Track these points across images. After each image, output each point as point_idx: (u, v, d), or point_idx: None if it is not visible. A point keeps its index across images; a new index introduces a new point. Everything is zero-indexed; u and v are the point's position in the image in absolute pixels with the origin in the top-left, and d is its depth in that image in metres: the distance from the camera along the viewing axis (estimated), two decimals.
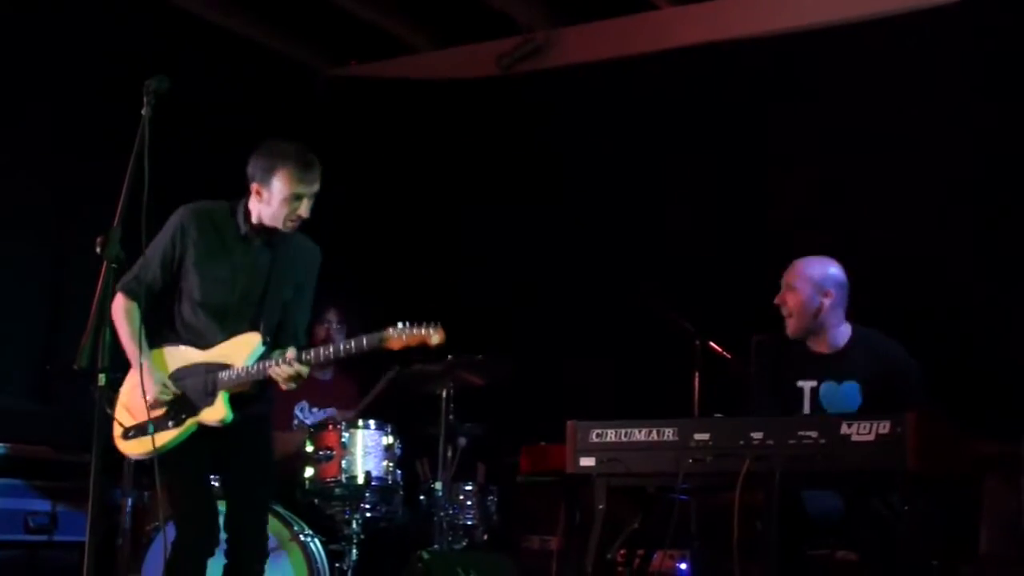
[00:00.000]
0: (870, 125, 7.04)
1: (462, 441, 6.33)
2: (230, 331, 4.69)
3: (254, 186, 4.70)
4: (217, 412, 4.63)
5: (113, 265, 4.04)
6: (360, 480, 5.70)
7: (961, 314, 6.53)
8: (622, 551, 4.90)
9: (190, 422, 4.62)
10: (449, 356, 5.95)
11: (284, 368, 4.59)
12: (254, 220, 4.72)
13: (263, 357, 4.66)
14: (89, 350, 4.45)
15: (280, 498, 5.73)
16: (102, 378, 3.96)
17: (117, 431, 4.64)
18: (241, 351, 4.66)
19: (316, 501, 5.83)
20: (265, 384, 4.73)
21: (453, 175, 8.37)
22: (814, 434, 4.29)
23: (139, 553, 5.48)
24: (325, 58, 8.85)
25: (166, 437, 4.59)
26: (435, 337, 4.67)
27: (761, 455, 4.33)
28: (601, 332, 7.58)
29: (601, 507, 4.65)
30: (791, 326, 5.11)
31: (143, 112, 4.17)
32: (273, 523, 5.51)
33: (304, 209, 4.71)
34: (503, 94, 8.32)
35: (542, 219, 8.00)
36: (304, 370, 4.64)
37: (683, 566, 6.07)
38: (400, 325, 4.62)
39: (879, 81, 7.05)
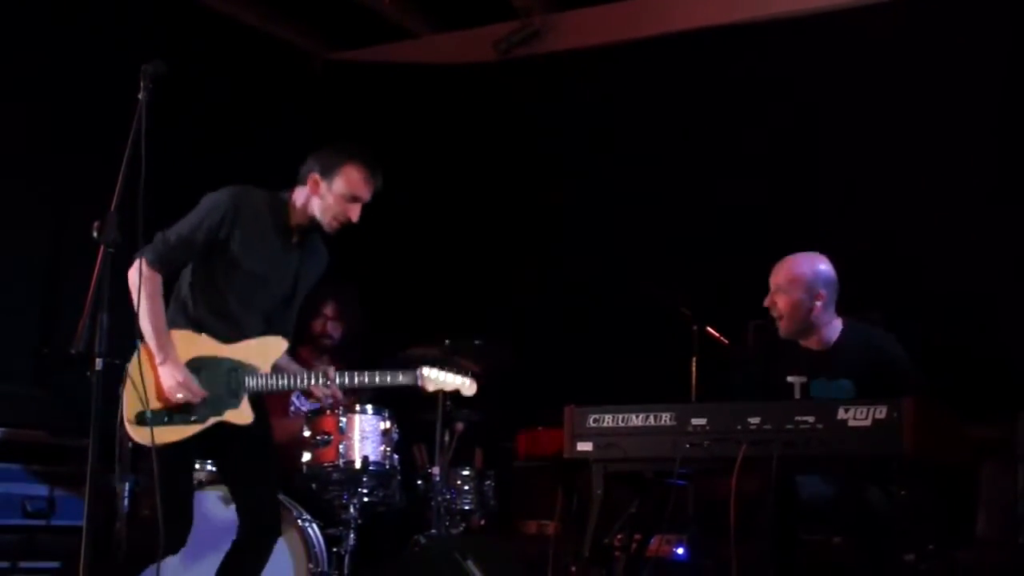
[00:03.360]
0: (874, 110, 7.03)
1: (459, 426, 6.33)
2: (250, 326, 4.66)
3: (313, 176, 4.68)
4: (243, 416, 4.63)
5: (110, 250, 4.03)
6: (357, 465, 5.70)
7: (958, 300, 6.52)
8: (619, 536, 4.91)
9: (213, 421, 4.59)
10: (447, 341, 5.96)
11: (324, 390, 4.71)
12: (298, 209, 4.70)
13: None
14: (86, 335, 4.46)
15: (278, 483, 5.73)
16: (99, 363, 3.96)
17: (130, 412, 4.52)
18: (267, 354, 4.66)
19: (313, 486, 5.82)
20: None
21: (450, 160, 8.36)
22: (811, 419, 4.30)
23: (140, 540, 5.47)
24: (322, 42, 8.83)
25: (186, 432, 4.55)
26: (468, 390, 4.74)
27: (758, 440, 4.33)
28: (599, 317, 7.58)
29: (599, 492, 4.66)
30: (783, 328, 5.06)
31: (140, 97, 4.16)
32: None
33: (355, 214, 4.71)
34: (501, 79, 8.30)
35: (540, 205, 7.99)
36: (340, 394, 4.76)
37: (680, 551, 6.08)
38: (437, 369, 4.75)
39: (884, 66, 7.04)
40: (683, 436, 4.48)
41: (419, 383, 4.71)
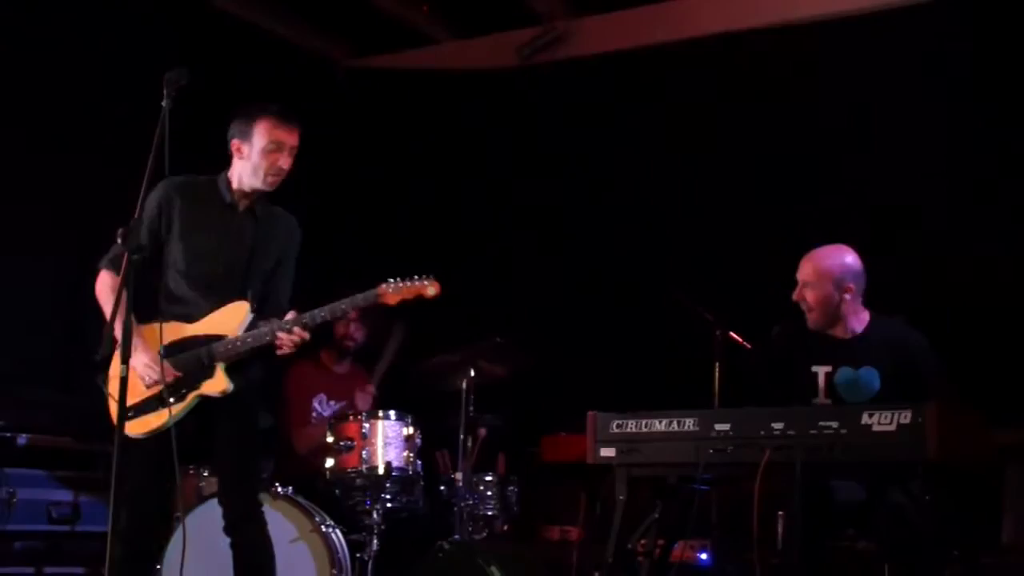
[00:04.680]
0: (895, 113, 7.01)
1: (482, 432, 6.34)
2: (216, 302, 4.70)
3: (235, 143, 4.76)
4: (218, 384, 4.65)
5: (134, 256, 4.06)
6: (381, 470, 5.71)
7: (982, 302, 6.49)
8: (643, 541, 4.90)
9: (192, 396, 4.64)
10: (469, 345, 5.97)
11: (288, 336, 4.61)
12: (235, 185, 4.76)
13: (252, 326, 4.68)
14: (110, 340, 4.50)
15: (301, 489, 5.75)
16: (123, 369, 3.98)
17: (114, 410, 4.51)
18: (231, 320, 4.67)
19: (337, 491, 5.84)
20: (258, 351, 4.73)
21: (472, 166, 8.37)
22: (835, 424, 4.28)
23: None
24: (345, 49, 8.86)
25: (168, 413, 4.58)
26: (430, 288, 4.75)
27: (782, 445, 4.32)
28: (622, 323, 7.57)
29: (622, 498, 4.66)
30: (812, 320, 5.08)
31: (163, 105, 4.18)
32: (294, 513, 5.54)
33: (284, 160, 4.75)
34: (523, 85, 8.31)
35: (562, 210, 7.99)
36: (307, 336, 4.65)
37: (704, 556, 6.07)
38: (393, 280, 4.70)
39: (905, 70, 7.01)
40: (706, 441, 4.47)
41: (380, 301, 4.70)
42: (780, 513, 5.16)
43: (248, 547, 4.74)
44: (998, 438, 4.84)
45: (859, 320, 5.09)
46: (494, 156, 8.32)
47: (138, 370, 4.59)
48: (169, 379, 4.58)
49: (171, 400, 4.58)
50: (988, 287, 6.53)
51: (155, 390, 4.61)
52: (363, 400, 6.61)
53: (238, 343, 4.65)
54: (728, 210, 7.43)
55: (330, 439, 5.82)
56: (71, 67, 6.90)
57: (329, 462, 5.80)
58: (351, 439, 5.77)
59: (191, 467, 5.80)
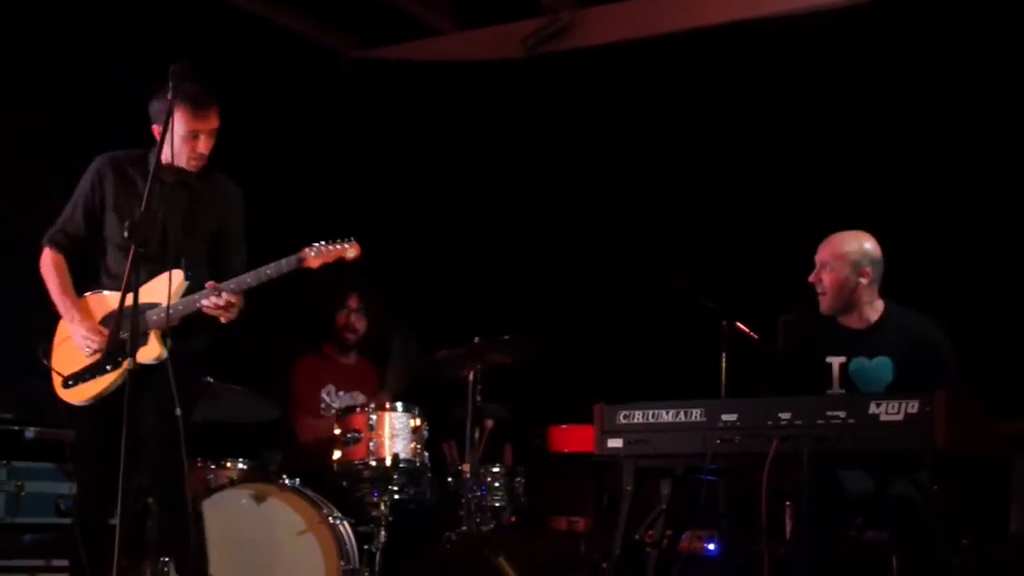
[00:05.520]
0: (903, 102, 6.99)
1: (489, 423, 6.34)
2: (153, 272, 4.68)
3: (154, 128, 4.75)
4: (152, 351, 4.65)
5: (141, 249, 4.07)
6: (388, 462, 5.72)
7: (991, 294, 6.49)
8: (650, 531, 4.90)
9: (127, 363, 4.59)
10: (476, 338, 5.96)
11: (213, 299, 4.64)
12: (163, 159, 4.71)
13: (188, 292, 4.70)
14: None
15: (309, 481, 5.75)
16: (129, 362, 3.98)
17: (57, 381, 4.74)
18: (164, 288, 4.65)
19: (344, 483, 5.85)
20: (198, 321, 4.74)
21: (478, 157, 8.36)
22: (842, 414, 4.28)
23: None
24: (350, 40, 8.85)
25: (107, 380, 4.64)
26: (350, 251, 4.79)
27: (789, 435, 4.32)
28: (628, 313, 7.57)
29: (629, 488, 4.66)
30: (825, 304, 5.07)
31: (168, 96, 4.19)
32: (301, 505, 5.54)
33: (203, 145, 4.75)
34: (528, 76, 8.29)
35: (568, 201, 7.99)
36: (234, 298, 4.66)
37: (711, 546, 6.06)
38: (316, 244, 4.72)
39: (912, 58, 7.00)
40: (714, 432, 4.48)
41: (303, 265, 4.71)
42: (788, 503, 5.16)
43: (169, 507, 4.72)
44: (1005, 428, 4.84)
45: (874, 309, 5.07)
46: (499, 147, 8.30)
47: (77, 340, 4.70)
48: (106, 344, 4.60)
49: (107, 368, 4.62)
50: (993, 277, 6.52)
51: (94, 359, 4.66)
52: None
53: (170, 310, 4.63)
54: (734, 200, 7.42)
55: (337, 431, 5.83)
56: (76, 54, 6.90)
57: (336, 454, 5.81)
58: (358, 431, 5.78)
59: (199, 459, 5.81)
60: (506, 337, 6.02)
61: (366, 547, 5.68)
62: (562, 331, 7.44)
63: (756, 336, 6.11)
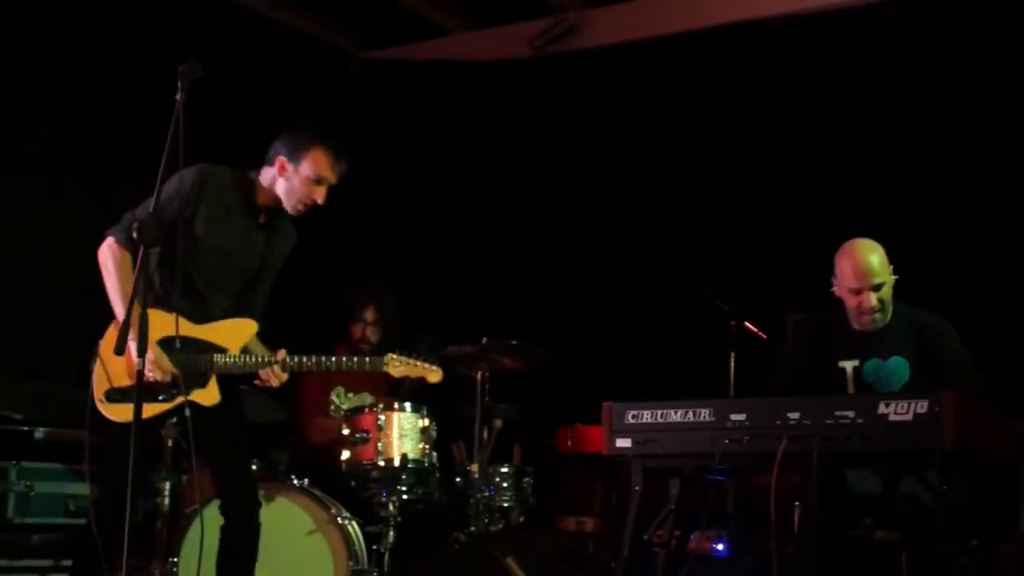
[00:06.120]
0: (907, 101, 6.98)
1: (498, 423, 6.33)
2: (217, 304, 4.65)
3: (280, 159, 4.70)
4: (210, 396, 4.60)
5: (150, 251, 4.06)
6: (396, 462, 5.72)
7: (1001, 293, 6.47)
8: (659, 531, 4.89)
9: (180, 400, 4.53)
10: (484, 339, 5.96)
11: (271, 375, 4.64)
12: (266, 194, 4.71)
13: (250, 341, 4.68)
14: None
15: (318, 482, 5.75)
16: (138, 362, 3.98)
17: (99, 390, 4.53)
18: (236, 336, 4.64)
19: (353, 483, 5.85)
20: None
21: (486, 158, 8.36)
22: (851, 414, 4.27)
23: (176, 536, 5.51)
24: (358, 41, 8.85)
25: (154, 410, 4.53)
26: (433, 376, 4.79)
27: (798, 435, 4.31)
28: (637, 313, 7.57)
29: (637, 488, 4.65)
30: (881, 319, 5.00)
31: (177, 97, 4.18)
32: (310, 505, 5.55)
33: (320, 195, 4.72)
34: (536, 76, 8.29)
35: (576, 201, 7.98)
36: (285, 378, 4.68)
37: (720, 547, 6.06)
38: (403, 355, 4.77)
39: (920, 58, 6.98)
40: (722, 432, 4.47)
41: (384, 369, 4.72)
42: (797, 503, 5.16)
43: (247, 534, 4.70)
44: (1015, 427, 4.82)
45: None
46: (507, 148, 8.30)
47: (135, 360, 4.50)
48: (167, 377, 4.51)
49: (160, 398, 4.53)
50: (1004, 273, 6.51)
51: (147, 381, 4.44)
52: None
53: (239, 363, 4.62)
54: (744, 200, 7.42)
55: (346, 431, 5.83)
56: (85, 58, 6.91)
57: (345, 454, 5.81)
58: (366, 431, 5.78)
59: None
60: (514, 342, 6.01)
61: (375, 547, 5.68)
62: (571, 331, 7.44)
63: (765, 336, 6.11)
